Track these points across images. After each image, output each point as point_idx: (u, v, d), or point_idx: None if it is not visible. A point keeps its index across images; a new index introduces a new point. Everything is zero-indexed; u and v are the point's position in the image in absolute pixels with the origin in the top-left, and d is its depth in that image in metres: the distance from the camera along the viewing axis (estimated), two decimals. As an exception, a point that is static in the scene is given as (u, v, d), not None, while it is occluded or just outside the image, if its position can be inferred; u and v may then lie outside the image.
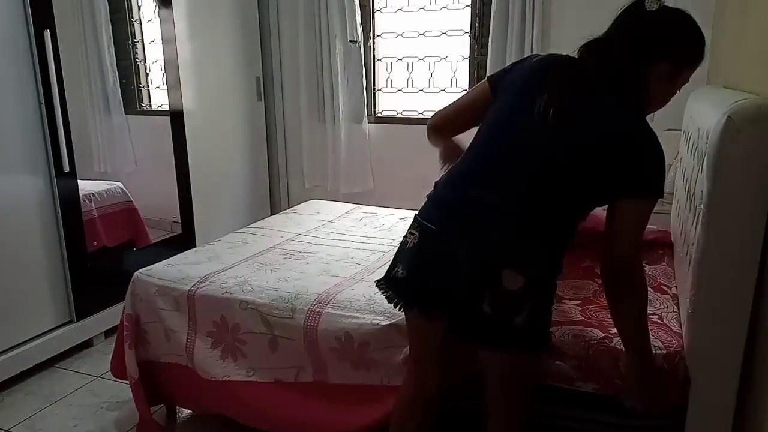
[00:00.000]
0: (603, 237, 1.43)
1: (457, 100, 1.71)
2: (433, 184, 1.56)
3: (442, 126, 1.73)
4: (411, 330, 1.63)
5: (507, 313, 1.40)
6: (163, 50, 3.35)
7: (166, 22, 3.32)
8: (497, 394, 1.58)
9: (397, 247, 1.57)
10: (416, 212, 1.52)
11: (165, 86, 3.41)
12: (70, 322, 2.87)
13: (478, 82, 1.70)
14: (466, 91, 1.68)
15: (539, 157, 1.40)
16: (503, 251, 1.39)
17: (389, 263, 1.58)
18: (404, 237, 1.53)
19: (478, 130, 1.54)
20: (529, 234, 1.41)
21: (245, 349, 2.03)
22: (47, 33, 2.60)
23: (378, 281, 1.61)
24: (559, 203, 1.41)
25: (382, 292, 1.58)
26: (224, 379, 2.06)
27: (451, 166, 1.57)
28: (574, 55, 1.49)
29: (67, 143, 2.72)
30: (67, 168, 2.73)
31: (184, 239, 3.48)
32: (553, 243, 1.44)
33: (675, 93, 1.49)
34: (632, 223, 1.41)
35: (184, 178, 3.53)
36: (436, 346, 1.59)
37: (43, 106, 2.64)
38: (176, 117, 3.45)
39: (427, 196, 1.54)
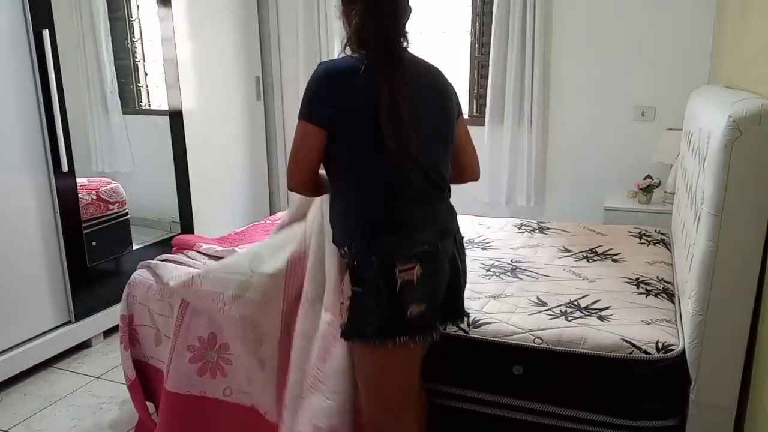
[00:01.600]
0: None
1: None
2: (365, 220, 1.50)
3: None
4: (412, 361, 1.56)
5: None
6: (163, 50, 3.34)
7: (165, 22, 3.32)
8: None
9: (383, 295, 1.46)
10: (386, 250, 1.46)
11: (164, 86, 3.41)
12: (69, 322, 2.86)
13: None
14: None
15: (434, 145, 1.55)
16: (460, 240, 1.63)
17: (382, 318, 1.46)
18: (394, 278, 1.43)
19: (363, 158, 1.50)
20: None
21: (228, 368, 1.96)
22: (46, 32, 2.59)
23: (392, 337, 1.46)
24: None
25: (404, 341, 1.47)
26: (200, 394, 1.99)
27: (361, 198, 1.52)
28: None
29: (65, 143, 2.71)
30: (65, 168, 2.72)
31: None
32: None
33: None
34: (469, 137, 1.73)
35: (183, 178, 3.53)
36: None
37: (42, 106, 2.63)
38: (175, 117, 3.45)
39: (368, 232, 1.49)
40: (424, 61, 1.58)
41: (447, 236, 1.54)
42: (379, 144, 1.43)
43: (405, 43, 1.50)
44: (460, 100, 1.67)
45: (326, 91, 1.46)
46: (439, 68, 1.61)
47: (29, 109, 2.61)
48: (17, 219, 2.61)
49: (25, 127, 2.60)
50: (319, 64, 1.50)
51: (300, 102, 1.50)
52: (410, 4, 1.52)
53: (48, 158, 2.69)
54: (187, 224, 3.56)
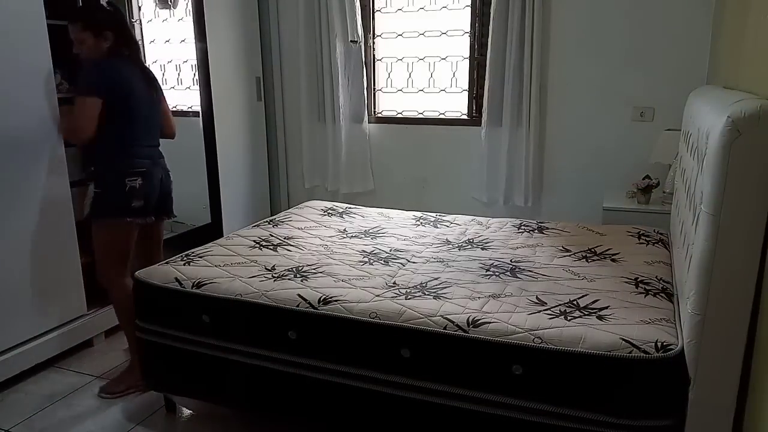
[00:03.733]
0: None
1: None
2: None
3: None
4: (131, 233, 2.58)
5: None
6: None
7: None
8: (158, 254, 2.76)
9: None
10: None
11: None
12: (71, 321, 2.86)
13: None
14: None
15: None
16: None
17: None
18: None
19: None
20: None
21: None
22: None
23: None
24: None
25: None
26: None
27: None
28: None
29: None
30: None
31: (182, 240, 3.48)
32: None
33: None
34: None
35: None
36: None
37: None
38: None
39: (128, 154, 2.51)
40: None
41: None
42: None
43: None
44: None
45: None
46: None
47: (48, 110, 2.65)
48: (21, 218, 2.61)
49: (43, 126, 2.65)
50: None
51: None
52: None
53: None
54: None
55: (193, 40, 3.42)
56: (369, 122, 4.04)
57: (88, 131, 2.37)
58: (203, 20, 3.40)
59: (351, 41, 3.85)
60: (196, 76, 3.58)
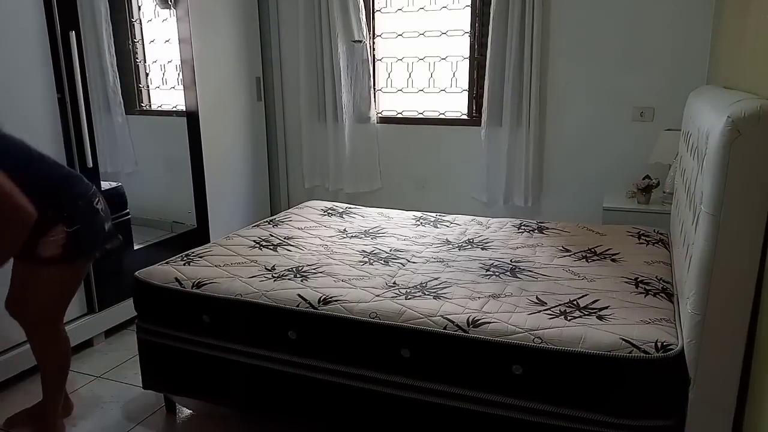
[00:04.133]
0: None
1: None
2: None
3: None
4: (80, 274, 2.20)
5: None
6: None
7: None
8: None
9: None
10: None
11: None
12: (74, 320, 2.86)
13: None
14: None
15: None
16: None
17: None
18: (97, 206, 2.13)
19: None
20: None
21: None
22: (72, 34, 2.65)
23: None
24: None
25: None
26: None
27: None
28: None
29: (90, 140, 2.79)
30: (90, 164, 2.81)
31: (179, 241, 3.48)
32: None
33: None
34: None
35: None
36: None
37: (69, 105, 2.70)
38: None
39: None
40: None
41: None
42: None
43: None
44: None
45: None
46: None
47: (56, 107, 2.68)
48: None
49: (53, 125, 2.68)
50: None
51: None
52: None
53: (74, 155, 2.77)
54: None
55: (186, 39, 3.41)
56: (373, 122, 4.03)
57: (29, 206, 1.85)
58: (188, 18, 3.39)
59: (354, 41, 3.85)
60: (180, 76, 3.55)
